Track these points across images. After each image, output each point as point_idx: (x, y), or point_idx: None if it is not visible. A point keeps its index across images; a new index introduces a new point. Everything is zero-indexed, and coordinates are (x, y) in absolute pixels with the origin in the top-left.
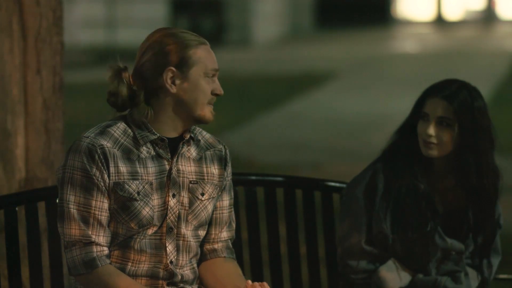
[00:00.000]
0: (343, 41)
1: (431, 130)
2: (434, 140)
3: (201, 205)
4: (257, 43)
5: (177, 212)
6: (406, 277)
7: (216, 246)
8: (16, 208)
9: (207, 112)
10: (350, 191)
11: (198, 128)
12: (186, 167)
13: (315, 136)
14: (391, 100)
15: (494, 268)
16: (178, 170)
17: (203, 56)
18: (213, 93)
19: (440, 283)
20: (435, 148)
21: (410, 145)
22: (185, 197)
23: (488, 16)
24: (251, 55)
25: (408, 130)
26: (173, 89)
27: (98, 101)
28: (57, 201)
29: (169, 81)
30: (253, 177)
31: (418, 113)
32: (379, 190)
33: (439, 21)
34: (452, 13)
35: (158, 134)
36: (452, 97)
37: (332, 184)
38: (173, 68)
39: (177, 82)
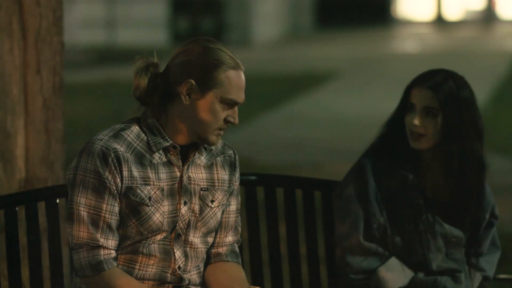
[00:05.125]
0: (343, 41)
1: (417, 120)
2: (420, 131)
3: (210, 212)
4: (257, 43)
5: (187, 219)
6: (406, 277)
7: (220, 250)
8: (16, 208)
9: (213, 137)
10: (343, 190)
11: None
12: (197, 174)
13: (315, 136)
14: (391, 100)
15: (495, 262)
16: (189, 177)
17: (227, 82)
18: (225, 120)
19: (440, 283)
20: (422, 140)
21: (399, 137)
22: (196, 204)
23: (488, 16)
24: (251, 55)
25: (396, 122)
26: (187, 101)
27: (98, 101)
28: (65, 201)
29: (184, 92)
30: (253, 177)
31: (405, 104)
32: (371, 185)
33: (439, 21)
34: (452, 13)
35: (170, 142)
36: (437, 86)
37: (332, 184)
38: (193, 81)
39: (193, 96)
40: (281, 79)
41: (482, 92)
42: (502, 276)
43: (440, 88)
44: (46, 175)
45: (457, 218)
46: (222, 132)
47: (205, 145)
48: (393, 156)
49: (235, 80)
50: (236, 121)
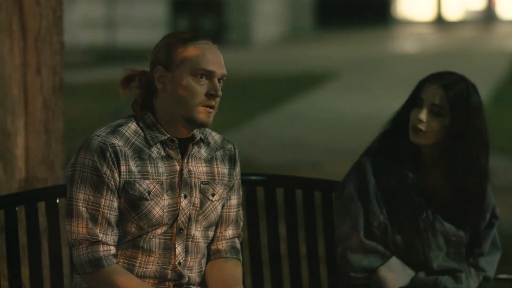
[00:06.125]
0: (343, 41)
1: (423, 115)
2: (423, 127)
3: (211, 206)
4: (257, 43)
5: (188, 213)
6: (406, 277)
7: (220, 246)
8: (16, 208)
9: (199, 114)
10: (343, 189)
11: (207, 129)
12: (198, 168)
13: (315, 136)
14: (391, 100)
15: (495, 263)
16: (189, 171)
17: (192, 54)
18: (208, 94)
19: (440, 283)
20: (423, 136)
21: (401, 134)
22: (196, 197)
23: (488, 16)
24: (251, 55)
25: (402, 117)
26: (163, 88)
27: (98, 101)
28: (65, 201)
29: (158, 81)
30: (253, 177)
31: (414, 99)
32: (371, 183)
33: (439, 21)
34: (452, 13)
35: (168, 135)
36: (449, 87)
37: (332, 184)
38: (161, 67)
39: (166, 81)
40: (281, 79)
41: (482, 92)
42: (502, 276)
43: (451, 89)
44: (46, 175)
45: (457, 218)
46: (210, 110)
47: (200, 129)
48: (393, 154)
49: (200, 51)
50: (218, 92)
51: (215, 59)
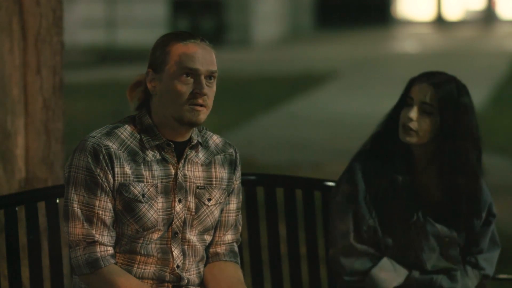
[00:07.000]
0: (343, 41)
1: (413, 114)
2: (413, 126)
3: (207, 211)
4: (257, 43)
5: (183, 217)
6: (400, 276)
7: (219, 249)
8: (16, 208)
9: (186, 113)
10: (336, 193)
11: (208, 132)
12: (194, 172)
13: (315, 136)
14: (391, 100)
15: (494, 260)
16: (184, 175)
17: (175, 54)
18: (192, 93)
19: (436, 282)
20: (414, 135)
21: (392, 135)
22: (191, 202)
23: (488, 16)
24: (251, 55)
25: (393, 118)
26: (154, 91)
27: (98, 101)
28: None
29: (149, 83)
30: (253, 177)
31: (404, 98)
32: (360, 187)
33: (439, 21)
34: (452, 13)
35: (164, 139)
36: (439, 85)
37: (332, 184)
38: (150, 70)
39: (156, 84)
40: (281, 79)
41: (482, 92)
42: (502, 276)
43: (441, 87)
44: (46, 175)
45: (450, 219)
46: (198, 107)
47: (201, 132)
48: (384, 157)
49: (184, 49)
50: (201, 90)
51: (199, 57)
